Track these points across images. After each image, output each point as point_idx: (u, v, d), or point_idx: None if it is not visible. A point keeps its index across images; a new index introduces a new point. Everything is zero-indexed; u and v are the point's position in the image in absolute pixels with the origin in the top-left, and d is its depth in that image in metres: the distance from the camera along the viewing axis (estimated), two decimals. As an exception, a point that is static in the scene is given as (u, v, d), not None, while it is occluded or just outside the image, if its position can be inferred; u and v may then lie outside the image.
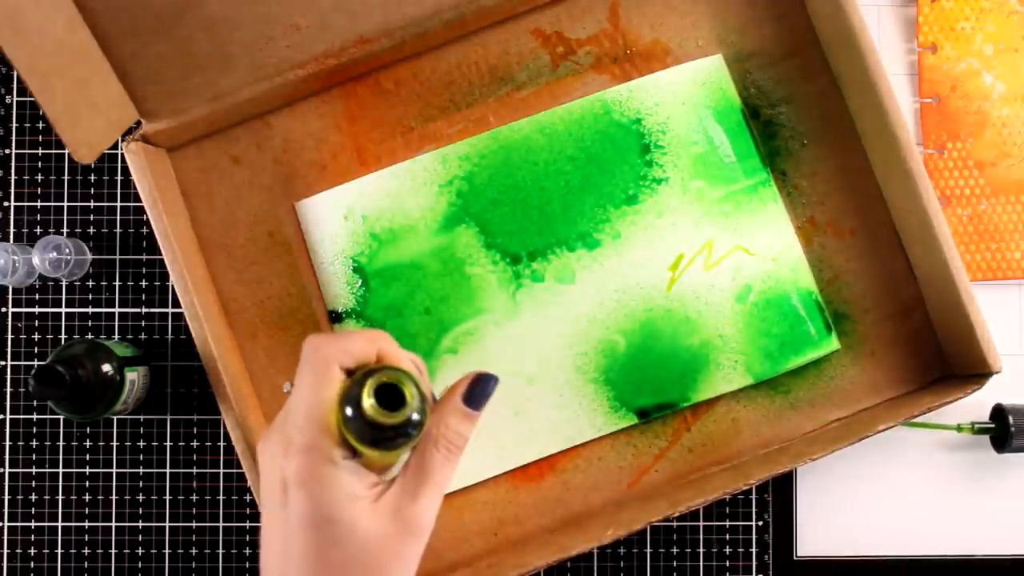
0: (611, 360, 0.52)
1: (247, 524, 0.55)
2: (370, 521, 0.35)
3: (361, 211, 0.53)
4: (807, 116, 0.54)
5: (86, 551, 0.55)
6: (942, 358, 0.53)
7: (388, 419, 0.36)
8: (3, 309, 0.56)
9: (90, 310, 0.56)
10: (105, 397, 0.50)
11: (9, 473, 0.55)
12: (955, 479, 0.56)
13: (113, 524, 0.55)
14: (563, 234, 0.53)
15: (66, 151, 0.56)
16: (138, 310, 0.56)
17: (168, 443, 0.55)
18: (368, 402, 0.36)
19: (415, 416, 0.36)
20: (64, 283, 0.56)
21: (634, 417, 0.52)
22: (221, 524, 0.55)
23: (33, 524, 0.55)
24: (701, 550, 0.55)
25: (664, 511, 0.49)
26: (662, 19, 0.54)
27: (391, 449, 0.36)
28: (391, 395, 0.36)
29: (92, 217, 0.56)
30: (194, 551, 0.55)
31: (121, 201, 0.56)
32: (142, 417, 0.55)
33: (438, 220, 0.53)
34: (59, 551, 0.55)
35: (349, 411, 0.36)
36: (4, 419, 0.55)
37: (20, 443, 0.55)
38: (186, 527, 0.55)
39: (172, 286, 0.55)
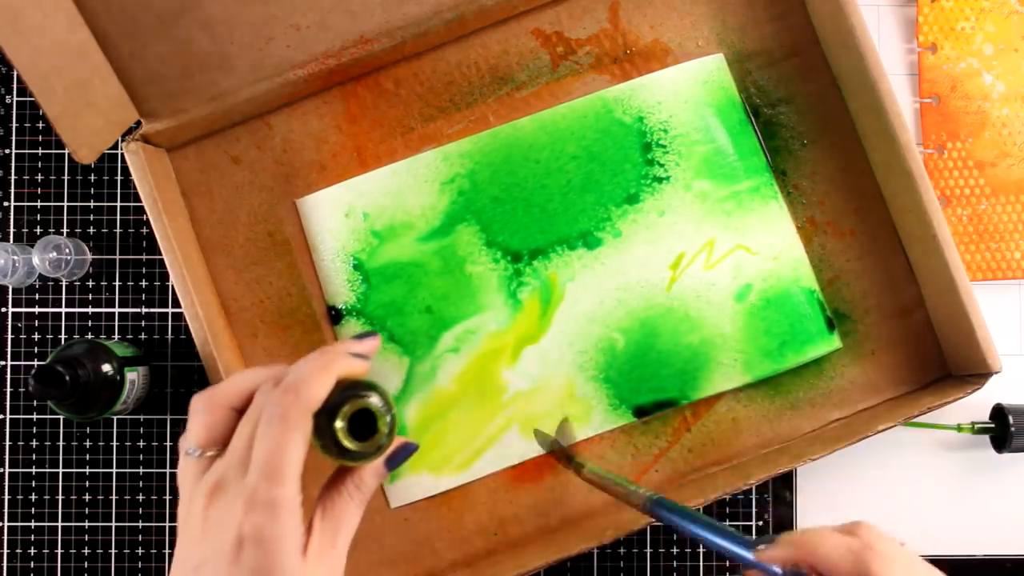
0: (610, 358, 0.52)
1: (247, 524, 0.55)
2: (310, 575, 0.36)
3: (362, 208, 0.53)
4: (807, 116, 0.54)
5: (86, 551, 0.55)
6: (942, 358, 0.53)
7: (359, 447, 0.38)
8: (3, 309, 0.56)
9: (90, 310, 0.56)
10: (105, 397, 0.50)
11: (9, 473, 0.55)
12: (955, 479, 0.56)
13: (113, 524, 0.55)
14: (564, 233, 0.53)
15: (66, 151, 0.56)
16: (138, 310, 0.56)
17: (168, 443, 0.55)
18: (341, 428, 0.37)
19: (383, 442, 0.38)
20: (64, 283, 0.56)
21: (633, 416, 0.52)
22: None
23: (33, 524, 0.55)
24: (701, 550, 0.55)
25: (664, 511, 0.49)
26: (662, 19, 0.54)
27: (356, 462, 0.38)
28: (363, 418, 0.38)
29: (92, 217, 0.56)
30: (194, 551, 0.55)
31: (121, 201, 0.56)
32: (142, 417, 0.55)
33: (439, 218, 0.53)
34: (59, 551, 0.55)
35: (323, 431, 0.37)
36: (4, 419, 0.55)
37: (20, 443, 0.55)
38: (186, 527, 0.55)
39: (172, 286, 0.55)
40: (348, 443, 0.37)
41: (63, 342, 0.55)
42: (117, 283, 0.56)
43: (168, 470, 0.55)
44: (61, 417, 0.55)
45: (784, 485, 0.55)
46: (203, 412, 0.38)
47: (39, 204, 0.56)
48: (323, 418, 0.37)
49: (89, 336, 0.56)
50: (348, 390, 0.38)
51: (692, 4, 0.54)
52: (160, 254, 0.53)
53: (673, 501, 0.43)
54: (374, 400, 0.38)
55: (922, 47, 0.56)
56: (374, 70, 0.54)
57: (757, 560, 0.38)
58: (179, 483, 0.38)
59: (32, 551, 0.55)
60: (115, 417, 0.55)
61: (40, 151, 0.56)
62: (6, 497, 0.55)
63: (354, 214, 0.53)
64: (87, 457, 0.55)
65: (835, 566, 0.36)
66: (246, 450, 0.36)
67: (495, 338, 0.53)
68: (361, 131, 0.54)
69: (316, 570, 0.36)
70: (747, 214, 0.52)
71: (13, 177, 0.56)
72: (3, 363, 0.56)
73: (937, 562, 0.55)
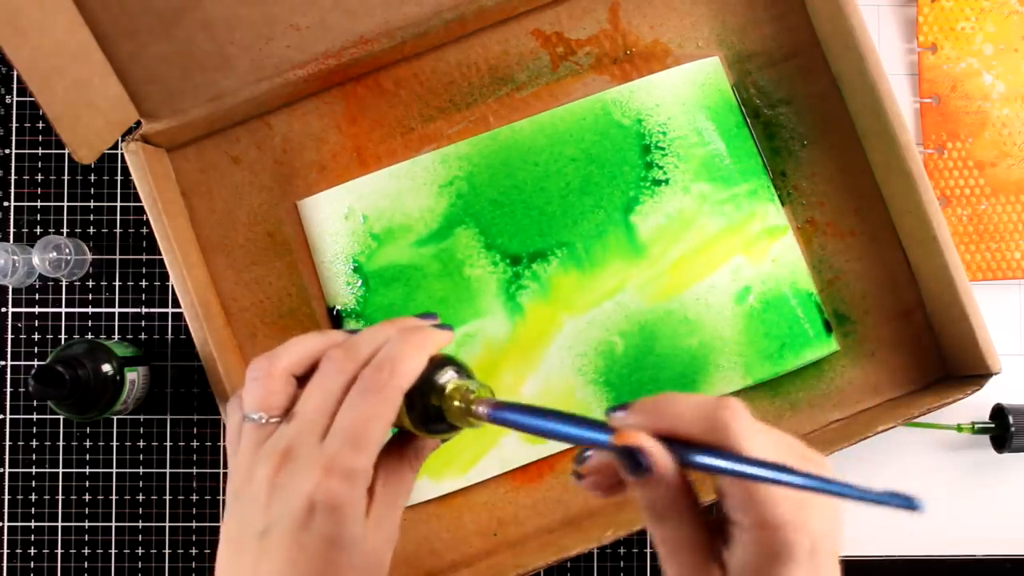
0: (610, 362, 0.52)
1: (247, 524, 0.55)
2: (372, 539, 0.36)
3: (362, 211, 0.53)
4: (807, 116, 0.54)
5: (86, 551, 0.55)
6: (942, 359, 0.53)
7: (463, 424, 0.38)
8: (3, 309, 0.56)
9: (90, 310, 0.56)
10: (105, 397, 0.50)
11: (9, 473, 0.55)
12: (955, 479, 0.56)
13: (113, 524, 0.55)
14: (563, 235, 0.53)
15: (66, 151, 0.56)
16: (138, 310, 0.56)
17: (168, 443, 0.55)
18: (458, 408, 0.37)
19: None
20: (64, 283, 0.56)
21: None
22: (221, 524, 0.55)
23: (33, 524, 0.55)
24: (701, 550, 0.55)
25: (664, 511, 0.49)
26: (662, 20, 0.54)
27: (436, 436, 0.39)
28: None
29: (92, 217, 0.56)
30: (194, 551, 0.55)
31: (121, 201, 0.56)
32: (142, 417, 0.55)
33: (438, 220, 0.53)
34: (59, 551, 0.55)
35: (411, 407, 0.37)
36: (4, 419, 0.55)
37: (20, 443, 0.55)
38: (186, 527, 0.55)
39: (172, 286, 0.55)
40: (459, 421, 0.37)
41: (63, 342, 0.55)
42: (117, 283, 0.56)
43: (168, 470, 0.55)
44: (61, 417, 0.55)
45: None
46: (264, 378, 0.38)
47: (39, 204, 0.56)
48: (415, 395, 0.37)
49: (89, 336, 0.56)
50: (437, 368, 0.38)
51: (692, 5, 0.54)
52: (160, 254, 0.53)
53: (511, 400, 0.37)
54: (473, 383, 0.38)
55: (922, 47, 0.56)
56: (374, 70, 0.54)
57: (613, 434, 0.32)
58: (232, 449, 0.38)
59: (32, 551, 0.55)
60: (115, 417, 0.55)
61: (40, 151, 0.56)
62: (6, 497, 0.55)
63: (354, 216, 0.53)
64: (87, 457, 0.55)
65: (689, 423, 0.33)
66: (320, 417, 0.36)
67: (493, 342, 0.52)
68: (361, 131, 0.54)
69: (377, 535, 0.37)
70: (745, 217, 0.52)
71: (13, 177, 0.56)
72: (3, 363, 0.56)
73: (937, 562, 0.56)
